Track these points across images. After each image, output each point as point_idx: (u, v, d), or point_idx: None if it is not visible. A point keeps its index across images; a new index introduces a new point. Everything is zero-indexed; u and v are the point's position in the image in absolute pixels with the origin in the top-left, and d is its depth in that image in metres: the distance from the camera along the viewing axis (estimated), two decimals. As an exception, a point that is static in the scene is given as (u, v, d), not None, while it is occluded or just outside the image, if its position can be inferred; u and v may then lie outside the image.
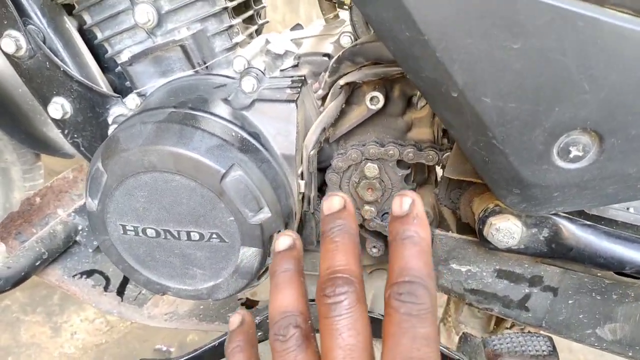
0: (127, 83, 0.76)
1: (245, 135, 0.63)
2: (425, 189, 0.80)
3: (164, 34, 0.71)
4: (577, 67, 0.47)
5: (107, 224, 0.64)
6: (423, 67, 0.52)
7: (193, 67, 0.72)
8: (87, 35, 0.78)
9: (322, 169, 0.76)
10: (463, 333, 0.93)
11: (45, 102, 0.75)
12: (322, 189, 0.78)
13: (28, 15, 0.71)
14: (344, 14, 0.89)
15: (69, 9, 0.75)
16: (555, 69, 0.47)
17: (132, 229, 0.64)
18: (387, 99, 0.72)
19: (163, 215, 0.62)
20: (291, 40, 0.83)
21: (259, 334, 0.71)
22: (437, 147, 0.71)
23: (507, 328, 0.85)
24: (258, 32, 0.92)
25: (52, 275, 0.92)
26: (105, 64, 0.82)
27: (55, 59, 0.72)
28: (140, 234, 0.64)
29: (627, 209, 0.61)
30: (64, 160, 1.46)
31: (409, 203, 0.37)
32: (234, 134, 0.62)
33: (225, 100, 0.66)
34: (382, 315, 0.58)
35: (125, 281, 0.94)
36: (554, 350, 0.57)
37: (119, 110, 0.75)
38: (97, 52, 0.79)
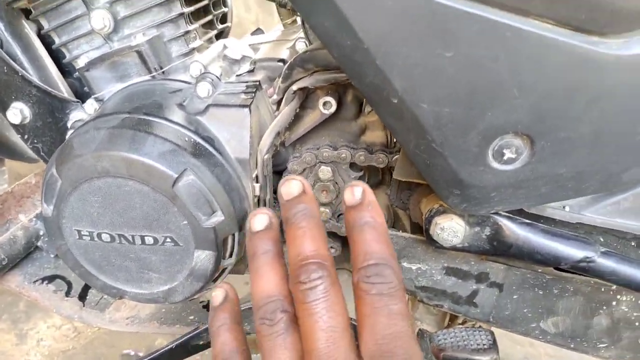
0: (86, 88, 0.77)
1: (198, 140, 0.65)
2: (379, 190, 0.82)
3: (121, 40, 0.72)
4: (507, 74, 0.50)
5: (62, 229, 0.65)
6: (365, 73, 0.54)
7: (150, 72, 0.73)
8: (46, 40, 0.78)
9: (278, 172, 0.78)
10: (419, 329, 0.96)
11: (3, 107, 0.75)
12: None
13: (-16, 20, 0.71)
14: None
15: (27, 13, 0.75)
16: (486, 76, 0.50)
17: (87, 234, 0.64)
18: (341, 103, 0.74)
19: (117, 220, 0.63)
20: (250, 45, 0.85)
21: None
22: (387, 150, 0.73)
23: (459, 324, 0.88)
24: (221, 36, 0.94)
25: (12, 281, 0.91)
26: (67, 68, 0.82)
27: (13, 63, 0.72)
28: (96, 238, 0.64)
29: (564, 207, 0.65)
30: (30, 164, 1.45)
31: (360, 191, 0.39)
32: (187, 138, 0.64)
33: (180, 106, 0.68)
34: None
35: (87, 286, 0.94)
36: (494, 344, 0.60)
37: (79, 115, 0.76)
38: (57, 56, 0.79)
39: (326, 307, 0.34)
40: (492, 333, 0.62)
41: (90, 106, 0.75)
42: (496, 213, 0.64)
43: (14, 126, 0.77)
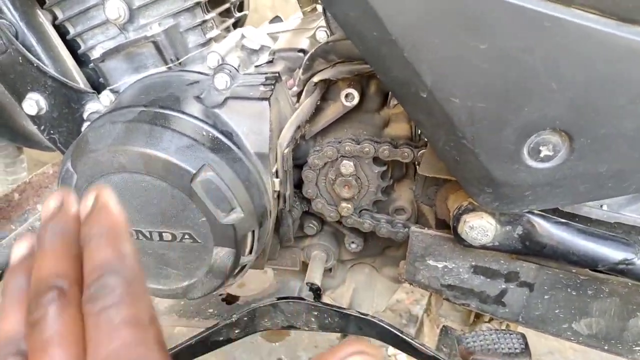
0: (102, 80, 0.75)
1: (217, 134, 0.63)
2: (403, 184, 0.79)
3: (136, 30, 0.70)
4: (545, 67, 0.46)
5: (79, 225, 0.64)
6: (391, 67, 0.51)
7: (166, 63, 0.71)
8: (61, 30, 0.76)
9: (299, 166, 0.76)
10: (443, 326, 0.93)
11: (19, 98, 0.74)
12: (300, 186, 0.77)
13: (-1, 9, 0.69)
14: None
15: (42, 3, 0.74)
16: (523, 69, 0.47)
17: (105, 229, 0.63)
18: (363, 95, 0.71)
19: (135, 216, 0.61)
20: (268, 34, 0.82)
21: (237, 331, 0.72)
22: (412, 145, 0.70)
23: (485, 322, 0.86)
24: (238, 24, 0.91)
25: (32, 272, 0.91)
26: (82, 59, 0.80)
27: (28, 54, 0.70)
28: (113, 234, 0.63)
29: (601, 206, 0.61)
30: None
31: (91, 199, 0.32)
32: (205, 133, 0.62)
33: (198, 98, 0.65)
34: (360, 311, 0.58)
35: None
36: (526, 348, 0.58)
37: (95, 106, 0.74)
38: (73, 46, 0.77)
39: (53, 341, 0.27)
40: (524, 337, 0.59)
41: (106, 98, 0.73)
42: (529, 211, 0.61)
43: (31, 117, 0.76)
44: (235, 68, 0.68)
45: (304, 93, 0.70)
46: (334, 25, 0.70)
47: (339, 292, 0.91)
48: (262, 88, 0.66)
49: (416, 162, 0.71)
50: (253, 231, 0.64)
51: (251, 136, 0.65)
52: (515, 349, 0.57)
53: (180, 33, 0.70)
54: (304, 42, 0.75)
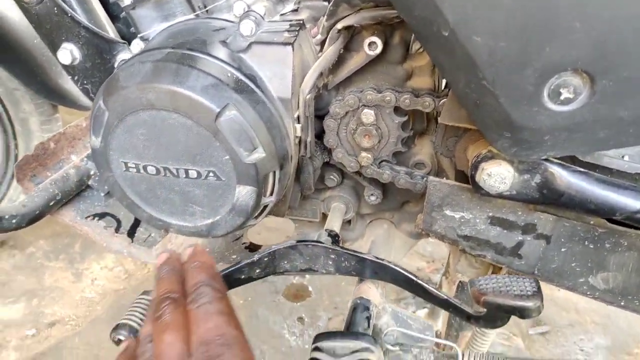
0: (133, 29, 0.78)
1: (241, 76, 0.64)
2: (424, 138, 0.80)
3: (166, -23, 0.72)
4: (568, 4, 0.46)
5: (110, 161, 0.67)
6: (414, 4, 0.51)
7: (194, 10, 0.73)
8: (94, -20, 0.79)
9: (320, 117, 0.77)
10: (460, 282, 0.94)
11: (54, 47, 0.77)
12: (321, 137, 0.79)
13: (35, -41, 0.72)
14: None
15: (75, -46, 0.76)
16: (545, 6, 0.46)
17: (134, 166, 0.66)
18: (387, 45, 0.71)
19: (162, 153, 0.64)
20: (295, -15, 0.83)
21: (257, 271, 0.74)
22: (434, 94, 0.70)
23: (501, 277, 0.86)
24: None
25: (66, 216, 0.96)
26: (114, 13, 0.83)
27: (63, 4, 0.73)
28: (142, 171, 0.66)
29: (622, 157, 0.61)
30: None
31: (189, 252, 0.60)
32: (229, 74, 0.63)
33: (224, 43, 0.67)
34: (376, 256, 0.64)
35: (135, 224, 0.98)
36: (538, 291, 0.58)
37: (126, 56, 0.76)
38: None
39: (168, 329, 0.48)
40: (536, 281, 0.60)
41: (137, 46, 0.76)
42: (547, 160, 0.61)
43: (65, 67, 0.79)
44: (260, 15, 0.69)
45: (327, 41, 0.70)
46: (359, -28, 0.70)
47: (357, 245, 0.93)
48: (286, 34, 0.67)
49: (437, 113, 0.71)
50: (274, 172, 0.66)
51: (274, 80, 0.67)
52: (528, 291, 0.58)
53: (208, -20, 0.72)
54: (329, -9, 0.75)
